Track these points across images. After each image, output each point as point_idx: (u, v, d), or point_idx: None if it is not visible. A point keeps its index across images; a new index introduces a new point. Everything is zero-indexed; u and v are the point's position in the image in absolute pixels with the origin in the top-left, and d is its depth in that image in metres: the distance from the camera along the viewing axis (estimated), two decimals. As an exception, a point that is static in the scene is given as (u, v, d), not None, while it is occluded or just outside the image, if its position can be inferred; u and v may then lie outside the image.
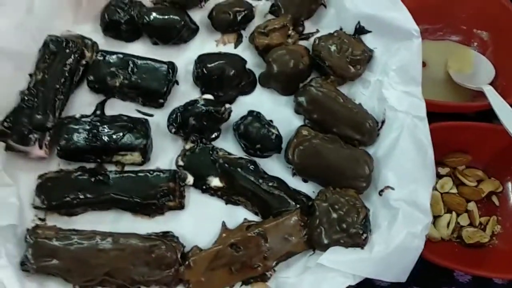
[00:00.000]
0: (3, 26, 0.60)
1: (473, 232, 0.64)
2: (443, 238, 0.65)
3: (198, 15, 0.69)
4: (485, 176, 0.68)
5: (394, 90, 0.61)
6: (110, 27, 0.67)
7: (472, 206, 0.66)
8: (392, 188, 0.57)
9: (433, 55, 0.74)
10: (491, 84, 0.68)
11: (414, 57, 0.61)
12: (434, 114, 0.64)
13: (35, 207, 0.58)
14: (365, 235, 0.55)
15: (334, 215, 0.56)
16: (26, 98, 0.60)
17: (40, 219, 0.58)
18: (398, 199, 0.56)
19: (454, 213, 0.66)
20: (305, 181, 0.62)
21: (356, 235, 0.54)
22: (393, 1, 0.63)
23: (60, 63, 0.62)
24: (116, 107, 0.64)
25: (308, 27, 0.69)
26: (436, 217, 0.65)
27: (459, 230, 0.65)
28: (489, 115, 0.66)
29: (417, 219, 0.55)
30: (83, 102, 0.64)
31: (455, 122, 0.65)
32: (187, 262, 0.56)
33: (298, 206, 0.59)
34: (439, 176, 0.67)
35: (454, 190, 0.67)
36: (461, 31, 0.75)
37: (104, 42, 0.67)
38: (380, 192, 0.58)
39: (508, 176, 0.67)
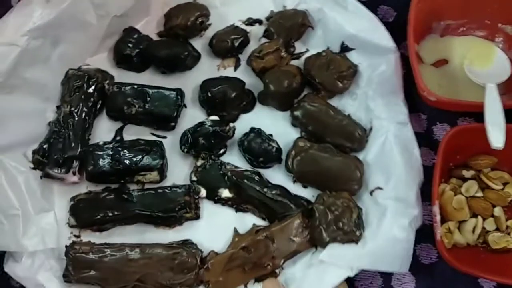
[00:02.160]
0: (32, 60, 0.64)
1: (499, 237, 0.63)
2: (468, 243, 0.63)
3: (200, 43, 0.73)
4: (511, 179, 0.66)
5: (378, 100, 0.67)
6: (123, 60, 0.72)
7: (498, 211, 0.64)
8: (381, 188, 0.62)
9: (455, 51, 0.71)
10: (508, 79, 0.66)
11: (393, 70, 0.66)
12: (458, 113, 0.67)
13: (71, 226, 0.64)
14: (358, 232, 0.60)
15: (331, 216, 0.61)
16: (57, 129, 0.65)
17: (75, 236, 0.64)
18: (386, 197, 0.61)
19: (479, 217, 0.64)
20: (304, 187, 0.67)
21: (350, 232, 0.60)
22: (372, 22, 0.68)
23: (85, 97, 0.67)
24: (133, 132, 0.69)
25: (299, 47, 0.73)
26: (461, 222, 0.64)
27: (485, 235, 0.63)
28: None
29: (404, 213, 0.59)
30: (103, 129, 0.70)
31: (478, 124, 0.61)
32: (205, 266, 0.61)
33: (299, 210, 0.64)
34: (463, 179, 0.66)
35: (480, 194, 0.64)
36: (486, 26, 0.71)
37: (117, 73, 0.72)
38: (371, 193, 0.63)
39: (534, 178, 0.64)
